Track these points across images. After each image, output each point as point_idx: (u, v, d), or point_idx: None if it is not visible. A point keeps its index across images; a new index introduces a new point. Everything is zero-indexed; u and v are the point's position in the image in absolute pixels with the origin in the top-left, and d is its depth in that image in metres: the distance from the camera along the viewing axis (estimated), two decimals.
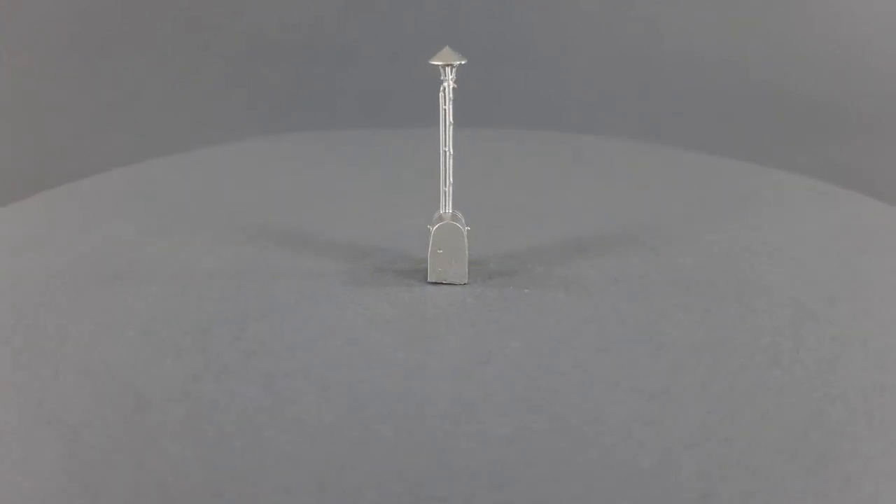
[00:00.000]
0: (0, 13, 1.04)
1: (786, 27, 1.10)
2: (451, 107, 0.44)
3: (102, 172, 0.69)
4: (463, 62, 0.43)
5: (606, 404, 0.36)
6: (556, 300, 0.45)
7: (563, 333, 0.42)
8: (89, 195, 0.64)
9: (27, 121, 0.96)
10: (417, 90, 0.99)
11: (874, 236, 0.56)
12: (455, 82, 0.44)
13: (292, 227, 0.56)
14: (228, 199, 0.62)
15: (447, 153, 0.46)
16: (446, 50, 0.43)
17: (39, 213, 0.60)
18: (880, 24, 1.08)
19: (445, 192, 0.46)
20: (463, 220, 0.47)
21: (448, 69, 0.43)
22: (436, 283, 0.47)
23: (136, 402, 0.36)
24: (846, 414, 0.35)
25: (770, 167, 0.72)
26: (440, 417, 0.35)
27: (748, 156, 0.77)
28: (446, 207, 0.47)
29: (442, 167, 0.46)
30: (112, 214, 0.59)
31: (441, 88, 0.44)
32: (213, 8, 1.10)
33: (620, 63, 1.09)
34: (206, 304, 0.44)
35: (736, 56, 1.08)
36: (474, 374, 0.38)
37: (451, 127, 0.45)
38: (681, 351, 0.40)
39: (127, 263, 0.50)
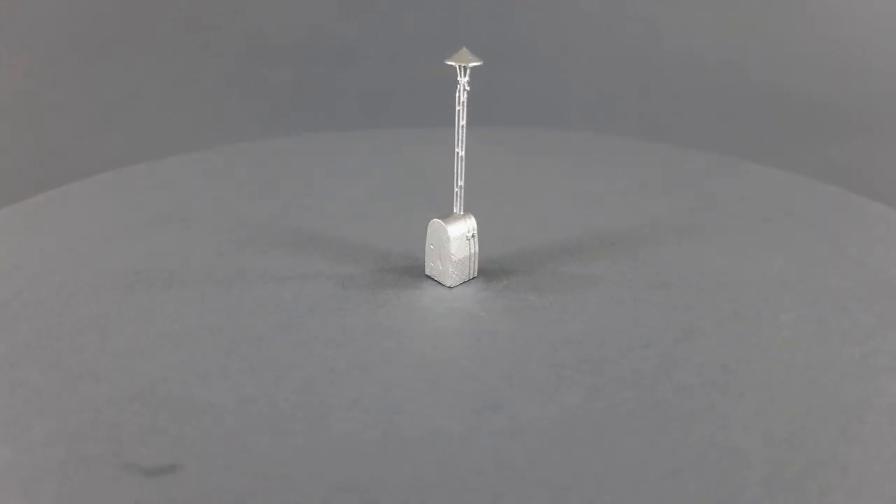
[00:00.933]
0: (0, 13, 1.03)
1: (786, 27, 1.10)
2: (464, 108, 0.45)
3: (102, 172, 0.69)
4: (479, 63, 0.43)
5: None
6: (512, 330, 0.43)
7: (484, 365, 0.40)
8: (89, 195, 0.64)
9: (27, 121, 0.95)
10: (417, 90, 0.99)
11: (876, 240, 0.56)
12: (468, 84, 0.44)
13: (292, 227, 0.56)
14: (228, 200, 0.62)
15: (458, 154, 0.46)
16: (463, 51, 0.43)
17: (39, 213, 0.60)
18: (880, 24, 1.09)
19: (457, 193, 0.46)
20: (471, 224, 0.47)
21: (464, 70, 0.43)
22: (430, 279, 0.48)
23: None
24: None
25: (770, 167, 0.72)
26: (287, 404, 0.37)
27: (748, 156, 0.77)
28: (458, 208, 0.47)
29: (455, 168, 0.46)
30: (112, 215, 0.59)
31: (457, 89, 0.44)
32: (213, 8, 1.10)
33: (620, 63, 1.09)
34: (205, 301, 0.45)
35: (736, 56, 1.08)
36: (349, 378, 0.39)
37: (464, 129, 0.45)
38: (587, 419, 0.36)
39: (126, 263, 0.50)
